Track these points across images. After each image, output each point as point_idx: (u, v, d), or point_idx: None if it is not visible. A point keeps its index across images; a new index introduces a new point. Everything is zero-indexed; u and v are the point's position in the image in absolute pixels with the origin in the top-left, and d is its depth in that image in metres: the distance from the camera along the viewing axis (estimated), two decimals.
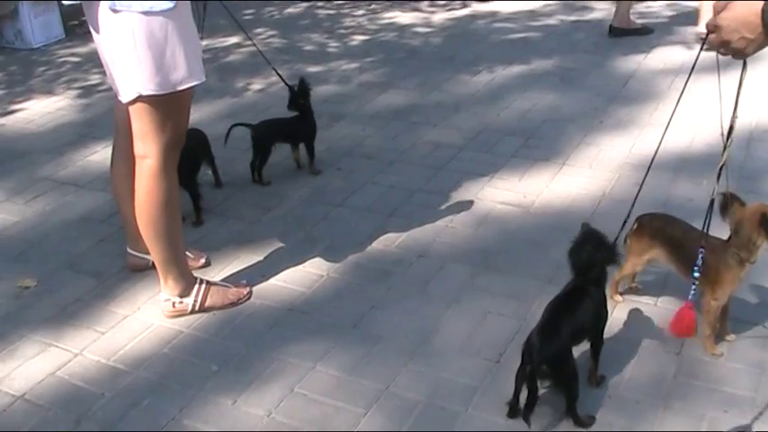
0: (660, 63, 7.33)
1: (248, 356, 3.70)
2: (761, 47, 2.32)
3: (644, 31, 8.27)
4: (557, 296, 3.32)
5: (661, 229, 3.67)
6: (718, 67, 2.94)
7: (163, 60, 3.43)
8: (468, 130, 6.13)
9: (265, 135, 5.37)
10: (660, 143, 3.32)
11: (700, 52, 2.87)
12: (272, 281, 4.26)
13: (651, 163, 3.44)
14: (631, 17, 8.31)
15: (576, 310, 3.23)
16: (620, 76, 7.15)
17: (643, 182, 3.47)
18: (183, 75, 3.51)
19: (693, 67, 2.99)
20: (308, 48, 8.64)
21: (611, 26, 8.31)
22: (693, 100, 5.58)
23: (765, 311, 3.86)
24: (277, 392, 3.46)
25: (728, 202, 3.30)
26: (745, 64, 2.68)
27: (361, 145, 5.95)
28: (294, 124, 5.40)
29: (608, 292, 3.70)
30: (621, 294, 3.93)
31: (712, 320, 3.54)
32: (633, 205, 3.39)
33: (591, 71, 7.37)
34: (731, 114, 2.94)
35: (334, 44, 8.72)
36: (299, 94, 5.32)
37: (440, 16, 9.55)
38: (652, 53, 7.61)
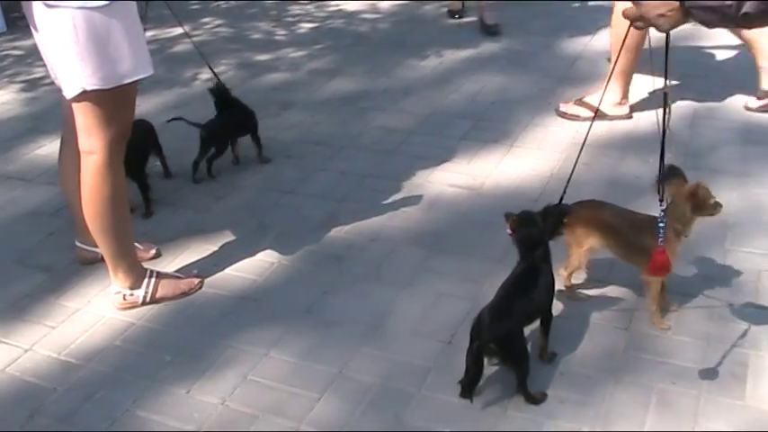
0: (606, 44, 7.36)
1: (201, 345, 3.69)
2: (677, 23, 2.36)
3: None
4: (509, 277, 3.35)
5: (592, 216, 3.70)
6: (650, 48, 2.97)
7: (106, 54, 3.39)
8: (417, 114, 6.14)
9: (218, 133, 5.30)
10: (591, 125, 3.34)
11: (628, 30, 2.91)
12: (224, 270, 4.25)
13: (584, 141, 3.45)
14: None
15: (531, 290, 3.27)
16: (568, 58, 7.20)
17: (576, 161, 3.49)
18: (129, 68, 3.48)
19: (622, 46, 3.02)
20: (256, 36, 8.59)
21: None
22: (640, 80, 5.66)
23: (707, 283, 3.93)
24: (231, 380, 3.46)
25: (669, 175, 3.34)
26: (668, 38, 2.71)
27: (311, 132, 5.95)
28: (237, 117, 5.39)
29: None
30: (570, 288, 3.92)
31: (655, 295, 3.59)
32: (568, 183, 3.41)
33: (539, 53, 7.41)
34: (663, 86, 2.97)
35: (282, 32, 8.67)
36: (222, 93, 5.32)
37: (387, 2, 9.53)
38: (598, 34, 7.66)
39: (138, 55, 3.52)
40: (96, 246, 3.98)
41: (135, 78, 3.54)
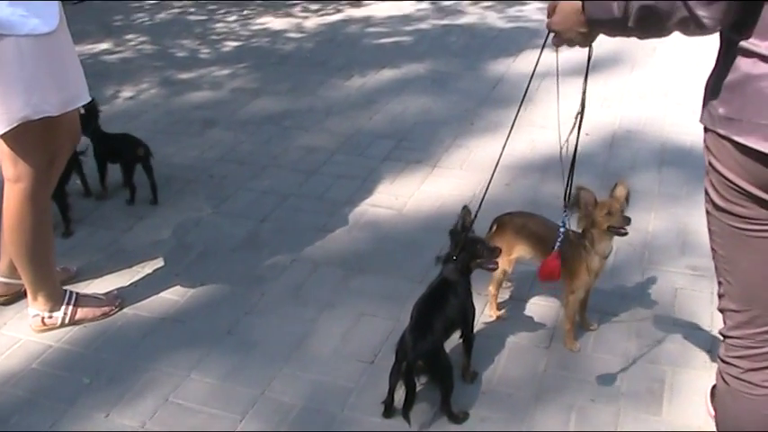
0: (528, 66, 7.46)
1: (121, 368, 3.64)
2: (596, 35, 2.42)
3: None
4: (423, 293, 3.38)
5: (522, 225, 3.75)
6: (557, 68, 3.02)
7: (55, 80, 3.34)
8: (340, 133, 6.16)
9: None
10: (505, 145, 3.38)
11: (542, 51, 2.95)
12: (145, 290, 4.20)
13: (497, 164, 3.49)
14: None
15: (444, 303, 3.30)
16: (490, 79, 7.29)
17: (490, 182, 3.52)
18: (74, 94, 3.43)
19: (534, 70, 3.06)
20: (180, 54, 8.54)
21: None
22: (561, 101, 5.74)
23: (626, 302, 4.01)
24: (151, 403, 3.41)
25: (579, 196, 3.39)
26: (590, 52, 2.77)
27: (234, 150, 5.92)
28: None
29: (487, 309, 3.82)
30: (499, 309, 3.96)
31: (571, 314, 3.65)
32: (481, 203, 3.42)
33: (462, 74, 7.49)
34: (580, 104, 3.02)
35: (206, 50, 8.64)
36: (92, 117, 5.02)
37: (313, 21, 9.57)
38: (521, 56, 7.77)
39: (81, 80, 3.47)
40: (19, 278, 3.88)
41: (79, 105, 3.50)
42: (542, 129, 5.75)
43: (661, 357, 3.60)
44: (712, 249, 2.36)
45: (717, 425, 2.59)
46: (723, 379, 2.45)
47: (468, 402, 3.36)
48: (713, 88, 2.12)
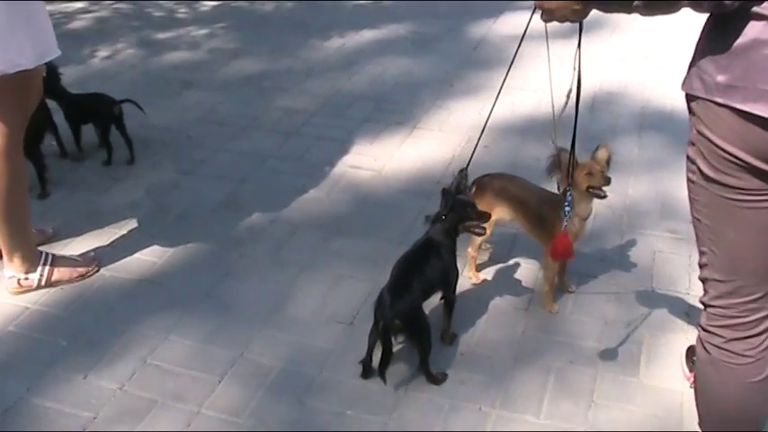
0: (509, 28, 7.43)
1: (99, 330, 3.62)
2: (589, 11, 2.39)
3: None
4: (406, 252, 3.37)
5: (502, 188, 3.73)
6: (546, 37, 2.98)
7: (29, 34, 3.28)
8: (319, 95, 6.12)
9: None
10: (493, 108, 3.37)
11: (527, 25, 2.93)
12: (122, 252, 4.17)
13: (485, 125, 3.47)
14: None
15: (425, 264, 3.29)
16: (471, 41, 7.25)
17: (477, 144, 3.51)
18: (32, 53, 3.37)
19: (524, 35, 3.03)
20: (158, 14, 8.44)
21: None
22: (542, 63, 5.70)
23: (605, 265, 4.02)
24: (130, 365, 3.40)
25: (559, 159, 3.38)
26: (581, 26, 2.75)
27: (213, 112, 5.87)
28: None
29: (466, 271, 3.81)
30: (479, 271, 3.97)
31: (550, 276, 3.66)
32: (468, 165, 3.42)
33: (442, 36, 7.44)
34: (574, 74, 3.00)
35: (184, 10, 8.54)
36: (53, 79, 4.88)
37: None
38: (501, 18, 7.73)
39: (42, 40, 3.42)
40: None
41: (53, 56, 3.45)
42: (522, 91, 5.73)
43: (639, 320, 3.62)
44: (695, 219, 2.31)
45: (696, 394, 2.59)
46: (704, 348, 2.43)
47: (446, 364, 3.37)
48: (708, 55, 2.05)
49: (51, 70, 4.74)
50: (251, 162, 5.11)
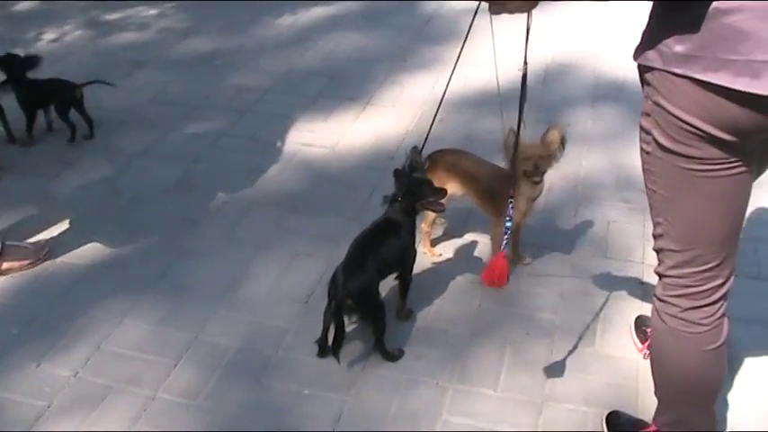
0: (461, 2, 7.38)
1: (51, 317, 3.57)
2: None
3: None
4: (363, 231, 3.35)
5: (454, 163, 3.73)
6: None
7: None
8: (272, 72, 6.06)
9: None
10: (448, 84, 3.36)
11: (474, 17, 2.92)
12: (75, 237, 4.12)
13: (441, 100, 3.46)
14: None
15: (381, 243, 3.28)
16: (424, 15, 7.21)
17: (433, 121, 3.49)
18: None
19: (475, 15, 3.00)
20: None
21: None
22: (495, 37, 5.69)
23: (559, 235, 4.05)
24: (84, 351, 3.36)
25: (507, 137, 3.37)
26: (529, 19, 2.74)
27: (164, 92, 5.80)
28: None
29: (421, 246, 3.80)
30: (433, 246, 3.97)
31: (497, 248, 3.63)
32: (425, 142, 3.42)
33: (394, 10, 7.38)
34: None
35: None
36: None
37: None
38: None
39: None
40: None
41: None
42: (474, 66, 5.68)
43: (594, 290, 3.64)
44: (650, 190, 2.30)
45: (652, 363, 2.59)
46: (660, 318, 2.44)
47: (403, 340, 3.37)
48: (665, 26, 2.02)
49: (18, 59, 4.85)
50: (204, 142, 5.06)
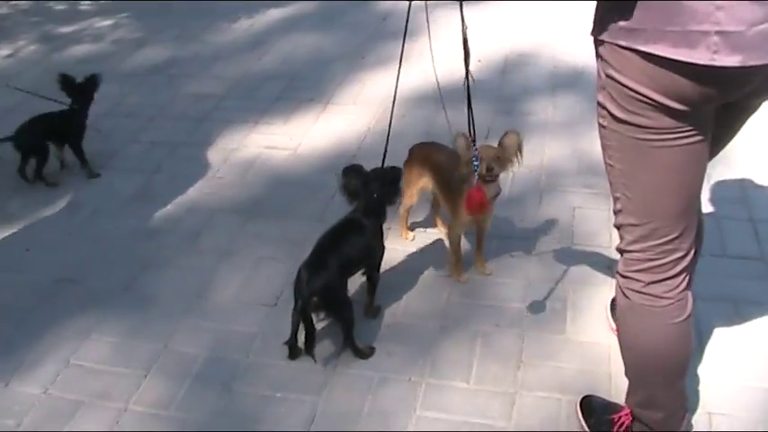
0: None
1: (17, 335, 3.52)
2: None
3: None
4: (327, 229, 3.34)
5: (428, 156, 3.73)
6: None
7: None
8: (228, 78, 6.04)
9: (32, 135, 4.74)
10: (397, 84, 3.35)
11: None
12: (37, 254, 4.08)
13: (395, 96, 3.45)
14: None
15: (344, 240, 3.27)
16: (379, 12, 7.20)
17: (391, 121, 3.48)
18: None
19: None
20: (59, 8, 8.25)
21: None
22: (454, 30, 5.68)
23: (525, 225, 4.05)
24: (52, 367, 3.32)
25: (456, 142, 3.35)
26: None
27: (120, 104, 5.74)
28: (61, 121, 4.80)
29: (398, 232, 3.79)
30: (410, 230, 3.99)
31: (454, 247, 3.65)
32: (386, 149, 3.40)
33: (350, 9, 7.38)
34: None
35: (86, 2, 8.36)
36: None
37: None
38: None
39: None
40: None
41: None
42: (435, 60, 5.70)
43: (562, 277, 3.64)
44: (608, 165, 2.33)
45: (621, 341, 2.60)
46: (624, 294, 2.45)
47: (372, 337, 3.35)
48: (610, 1, 2.06)
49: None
50: (163, 151, 5.01)
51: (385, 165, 3.37)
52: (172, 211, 4.37)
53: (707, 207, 3.92)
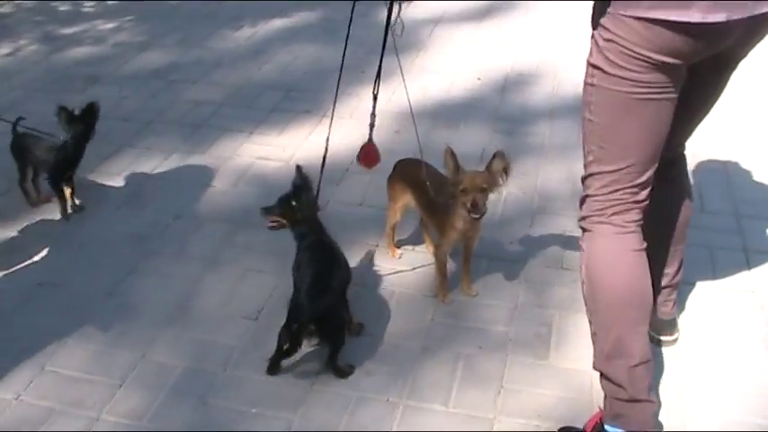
0: (421, 12, 7.38)
1: None
2: None
3: None
4: (314, 253, 3.28)
5: (411, 173, 3.68)
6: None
7: None
8: (228, 85, 6.01)
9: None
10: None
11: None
12: (21, 255, 4.04)
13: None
14: None
15: (338, 264, 3.25)
16: (382, 26, 7.14)
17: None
18: None
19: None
20: (63, 8, 8.24)
21: None
22: (454, 46, 5.67)
23: (514, 247, 4.00)
24: (26, 373, 3.28)
25: (444, 160, 3.35)
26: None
27: (118, 107, 5.71)
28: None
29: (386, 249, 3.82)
30: (397, 247, 3.96)
31: (440, 268, 3.61)
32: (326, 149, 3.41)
33: (353, 22, 7.31)
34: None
35: (90, 3, 8.33)
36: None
37: None
38: (413, 2, 7.65)
39: None
40: None
41: None
42: (434, 74, 5.68)
43: (549, 302, 3.60)
44: (587, 121, 2.56)
45: (588, 286, 2.68)
46: (586, 230, 2.67)
47: (353, 356, 3.30)
48: None
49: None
50: (156, 157, 4.98)
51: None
52: (160, 217, 4.33)
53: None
